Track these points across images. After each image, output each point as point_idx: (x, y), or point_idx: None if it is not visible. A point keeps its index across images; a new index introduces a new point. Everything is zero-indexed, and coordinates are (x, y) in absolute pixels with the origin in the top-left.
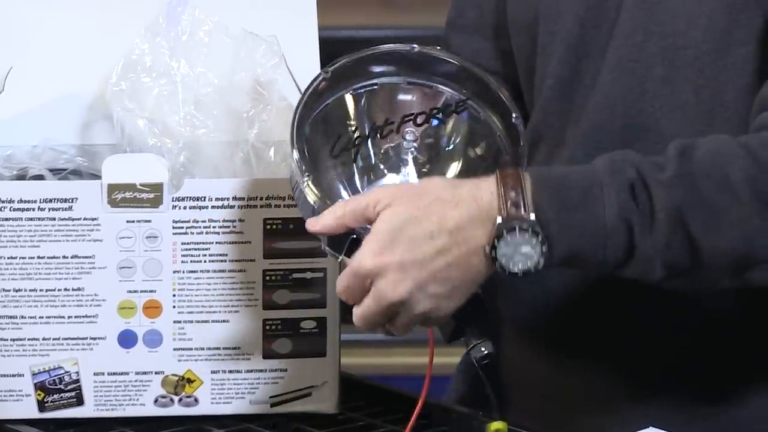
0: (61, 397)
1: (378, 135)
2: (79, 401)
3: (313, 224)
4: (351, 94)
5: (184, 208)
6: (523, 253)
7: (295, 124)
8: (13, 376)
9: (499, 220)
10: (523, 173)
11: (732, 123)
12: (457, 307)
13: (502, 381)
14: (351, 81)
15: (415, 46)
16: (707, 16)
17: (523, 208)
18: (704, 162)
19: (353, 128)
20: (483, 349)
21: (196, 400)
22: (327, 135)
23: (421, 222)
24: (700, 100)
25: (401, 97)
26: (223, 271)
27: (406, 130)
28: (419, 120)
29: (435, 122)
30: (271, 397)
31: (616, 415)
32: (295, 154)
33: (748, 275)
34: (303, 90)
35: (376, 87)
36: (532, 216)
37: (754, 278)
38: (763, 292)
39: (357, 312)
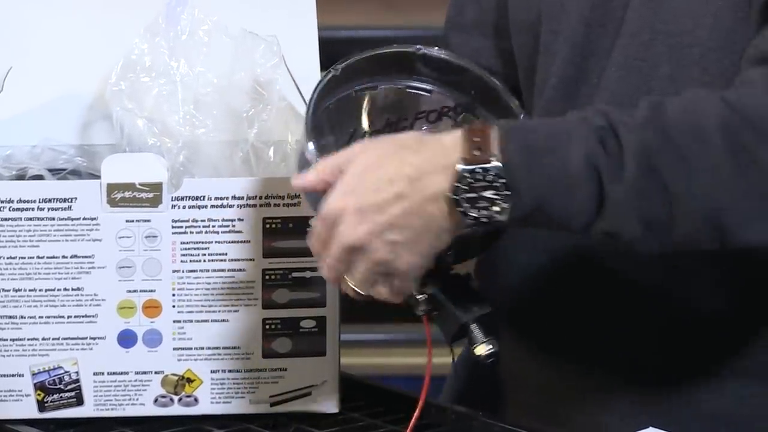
0: (61, 397)
1: (392, 131)
2: (79, 401)
3: (296, 180)
4: (362, 92)
5: (184, 207)
6: (486, 198)
7: (310, 118)
8: (13, 376)
9: (460, 164)
10: (491, 125)
11: None
12: (418, 264)
13: (498, 377)
14: (361, 79)
15: (420, 47)
16: (713, 15)
17: (487, 152)
18: (677, 109)
19: (368, 124)
20: (489, 347)
21: (195, 399)
22: (338, 130)
23: (383, 167)
24: None
25: (413, 95)
26: (222, 270)
27: (423, 127)
28: (431, 117)
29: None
30: (270, 396)
31: (611, 411)
32: (311, 146)
33: (726, 231)
34: (314, 86)
35: (383, 88)
36: (495, 161)
37: (731, 235)
38: (755, 290)
39: (322, 262)
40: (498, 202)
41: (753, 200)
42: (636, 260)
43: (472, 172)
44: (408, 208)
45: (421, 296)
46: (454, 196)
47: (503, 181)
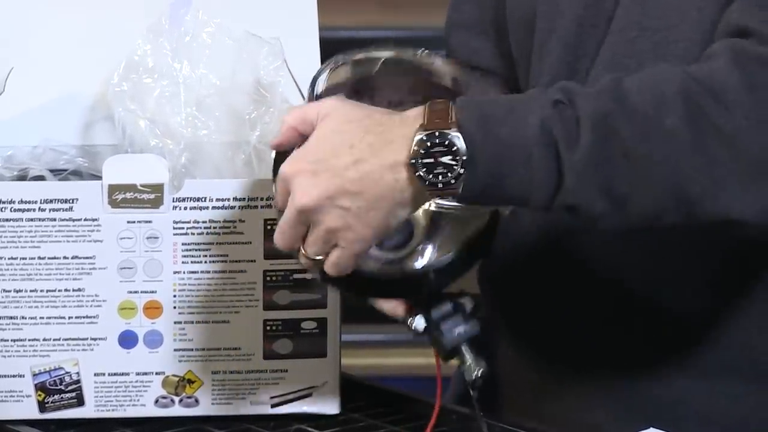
0: (62, 397)
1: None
2: (80, 402)
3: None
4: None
5: (185, 208)
6: (443, 163)
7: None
8: (14, 376)
9: (420, 133)
10: (454, 101)
11: None
12: (368, 237)
13: (496, 379)
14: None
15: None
16: (698, 9)
17: (445, 120)
18: (636, 79)
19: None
20: (478, 369)
21: (196, 400)
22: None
23: (345, 134)
24: None
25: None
26: (223, 271)
27: None
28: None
29: None
30: (271, 397)
31: (605, 411)
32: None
33: (690, 203)
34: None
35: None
36: (454, 130)
37: (696, 206)
38: (745, 288)
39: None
40: (455, 168)
41: (716, 169)
42: (625, 260)
43: (430, 135)
44: (365, 173)
45: (410, 321)
46: (412, 161)
47: (459, 146)
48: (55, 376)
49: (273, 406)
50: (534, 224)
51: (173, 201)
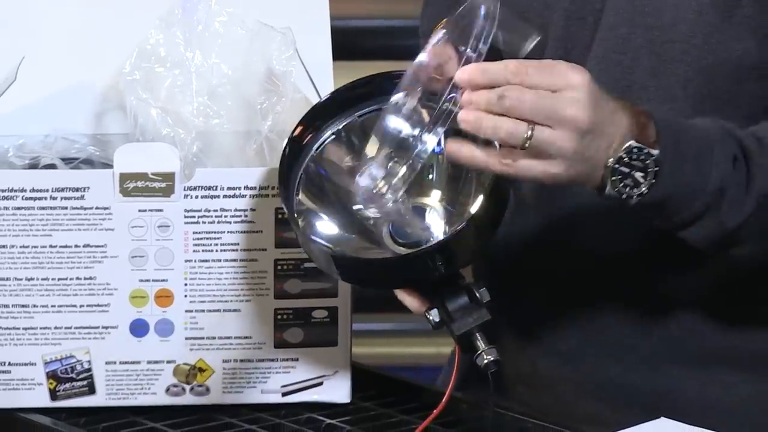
0: (73, 386)
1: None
2: (91, 390)
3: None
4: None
5: (196, 197)
6: (634, 178)
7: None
8: (26, 364)
9: (631, 138)
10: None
11: (723, 116)
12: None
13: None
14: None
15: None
16: (696, 11)
17: (649, 137)
18: None
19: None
20: (490, 356)
21: (207, 389)
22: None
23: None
24: (688, 95)
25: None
26: (234, 260)
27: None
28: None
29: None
30: (282, 386)
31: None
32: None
33: None
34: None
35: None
36: (655, 150)
37: None
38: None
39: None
40: (641, 185)
41: None
42: (620, 252)
43: (638, 149)
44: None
45: (427, 314)
46: (615, 165)
47: (656, 169)
48: (67, 365)
49: (284, 394)
50: (533, 216)
51: (184, 190)
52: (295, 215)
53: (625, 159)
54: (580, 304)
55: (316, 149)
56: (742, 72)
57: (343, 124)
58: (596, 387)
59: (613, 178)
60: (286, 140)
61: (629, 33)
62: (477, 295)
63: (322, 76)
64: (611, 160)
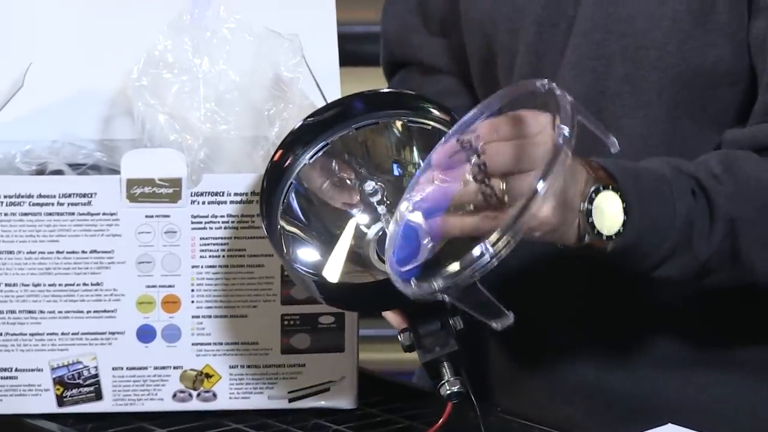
0: (80, 391)
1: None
2: (98, 396)
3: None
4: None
5: (203, 203)
6: (610, 212)
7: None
8: (32, 370)
9: (592, 183)
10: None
11: (697, 122)
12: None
13: (487, 373)
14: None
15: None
16: (670, 18)
17: (605, 180)
18: (753, 183)
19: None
20: (453, 387)
21: (214, 395)
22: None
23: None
24: (662, 101)
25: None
26: (241, 266)
27: None
28: None
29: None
30: (289, 392)
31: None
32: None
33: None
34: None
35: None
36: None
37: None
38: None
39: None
40: (618, 217)
41: None
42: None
43: (605, 186)
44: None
45: (399, 336)
46: (588, 206)
47: (624, 205)
48: (74, 370)
49: (290, 400)
50: None
51: (191, 195)
52: (281, 242)
53: (598, 196)
54: (555, 308)
55: (297, 173)
56: (716, 78)
57: (319, 147)
58: (572, 391)
59: (593, 221)
60: (264, 169)
61: (603, 39)
62: (450, 322)
63: (329, 83)
64: (583, 204)
